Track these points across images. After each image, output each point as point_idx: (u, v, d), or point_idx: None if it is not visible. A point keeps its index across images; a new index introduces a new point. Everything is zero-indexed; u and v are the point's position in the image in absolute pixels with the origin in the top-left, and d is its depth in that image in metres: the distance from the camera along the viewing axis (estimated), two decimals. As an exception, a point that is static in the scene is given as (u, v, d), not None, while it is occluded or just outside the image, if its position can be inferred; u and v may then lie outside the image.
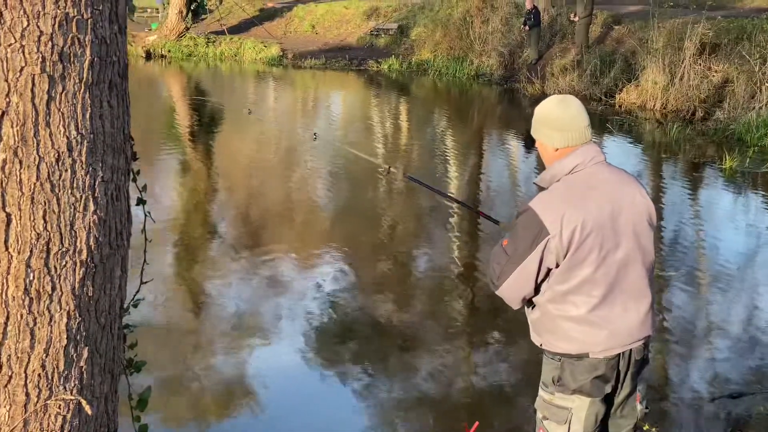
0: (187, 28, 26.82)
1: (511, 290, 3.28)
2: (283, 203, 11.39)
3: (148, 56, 25.99)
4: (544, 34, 21.68)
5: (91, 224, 2.67)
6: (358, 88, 22.73)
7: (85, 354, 2.75)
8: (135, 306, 3.36)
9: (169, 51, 26.21)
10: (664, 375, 6.16)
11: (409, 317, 7.31)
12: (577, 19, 20.17)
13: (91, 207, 2.65)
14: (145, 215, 3.33)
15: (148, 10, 32.85)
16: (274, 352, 6.63)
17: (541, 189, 3.41)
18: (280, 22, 30.11)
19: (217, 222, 10.42)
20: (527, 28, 21.21)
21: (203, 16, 30.01)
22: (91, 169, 2.63)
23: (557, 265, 3.22)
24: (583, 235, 3.17)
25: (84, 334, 2.73)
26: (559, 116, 3.35)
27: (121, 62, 2.75)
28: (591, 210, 3.19)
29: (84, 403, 2.75)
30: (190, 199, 11.56)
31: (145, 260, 3.37)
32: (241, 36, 27.73)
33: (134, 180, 3.09)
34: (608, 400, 3.41)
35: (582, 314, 3.25)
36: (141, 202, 3.32)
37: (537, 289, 3.30)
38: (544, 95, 19.01)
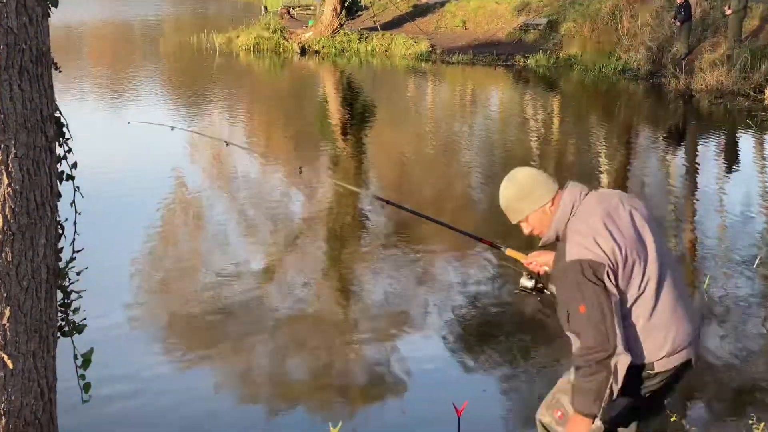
0: (341, 25, 27.61)
1: (600, 337, 3.23)
2: (435, 197, 11.76)
3: (303, 52, 26.95)
4: (695, 29, 21.18)
5: (6, 196, 2.98)
6: (507, 84, 22.91)
7: (7, 313, 3.05)
8: (64, 275, 3.61)
9: (323, 47, 27.08)
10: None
11: (551, 314, 7.42)
12: (730, 12, 19.62)
13: (5, 180, 2.96)
14: (74, 190, 3.64)
15: (311, 8, 34.01)
16: (418, 341, 6.98)
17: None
18: (431, 18, 30.52)
19: (369, 214, 10.84)
20: (678, 22, 20.78)
21: (358, 13, 30.83)
22: (3, 146, 2.95)
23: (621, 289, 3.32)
24: (624, 254, 3.29)
25: (5, 295, 3.03)
26: (520, 187, 3.54)
27: (34, 50, 3.05)
28: (615, 233, 3.31)
29: (6, 357, 3.08)
30: (343, 190, 12.06)
31: (75, 231, 3.65)
32: (393, 32, 28.32)
33: (64, 158, 3.45)
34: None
35: (641, 326, 3.35)
36: (69, 177, 3.59)
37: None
38: (688, 91, 18.64)
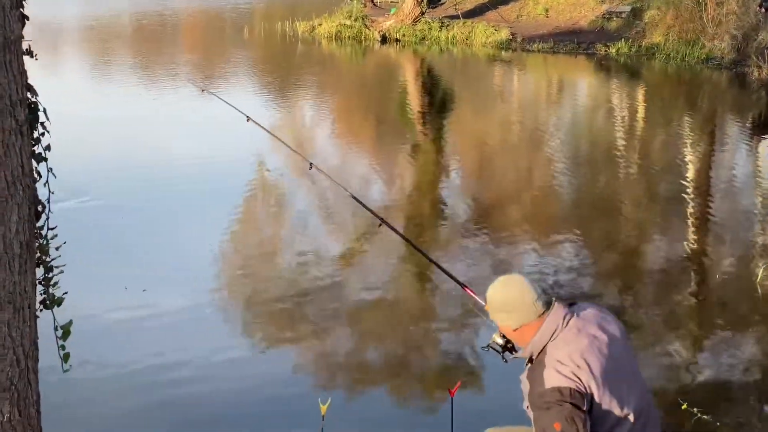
0: (423, 13, 27.77)
1: None
2: (515, 187, 11.90)
3: (384, 40, 27.21)
4: (783, 17, 20.73)
5: None
6: (588, 73, 22.82)
7: None
8: (46, 251, 3.83)
9: (404, 35, 27.29)
10: None
11: (631, 306, 7.57)
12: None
13: None
14: (48, 171, 3.85)
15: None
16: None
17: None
18: (514, 6, 30.44)
19: (448, 201, 11.08)
20: (764, 9, 20.41)
21: (441, 2, 30.90)
22: None
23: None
24: (599, 386, 3.32)
25: None
26: (506, 300, 3.52)
27: (1, 38, 3.21)
28: (593, 364, 3.35)
29: None
30: (423, 179, 12.31)
31: (49, 209, 3.83)
32: (474, 20, 28.35)
33: (38, 140, 3.67)
34: None
35: None
36: (42, 159, 3.77)
37: None
38: (773, 80, 18.34)
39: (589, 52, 24.19)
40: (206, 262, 8.62)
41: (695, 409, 5.48)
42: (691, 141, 14.40)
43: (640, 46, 23.52)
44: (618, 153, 13.57)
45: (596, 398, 3.33)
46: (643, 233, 9.80)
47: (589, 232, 9.63)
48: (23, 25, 3.46)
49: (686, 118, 16.64)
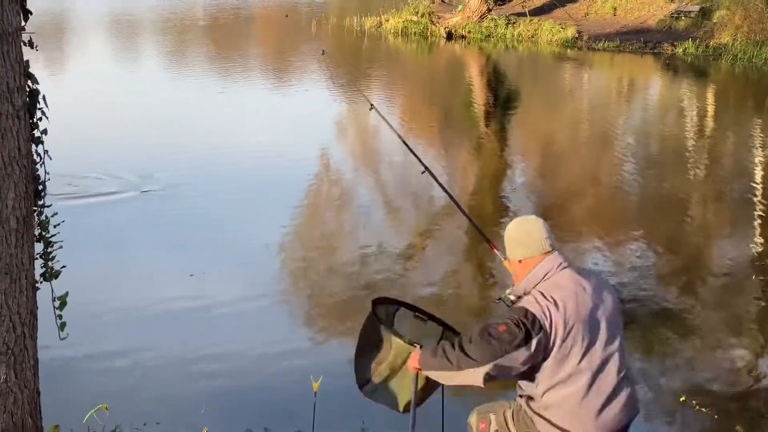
0: (489, 10, 27.92)
1: (496, 370, 3.51)
2: (580, 184, 12.04)
3: (449, 37, 27.43)
4: None
5: None
6: (654, 72, 22.78)
7: None
8: (45, 226, 4.05)
9: (469, 32, 27.48)
10: None
11: (693, 309, 7.70)
12: None
13: None
14: (44, 152, 3.97)
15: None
16: None
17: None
18: (582, 4, 30.40)
19: (511, 197, 11.29)
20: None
21: (510, -1, 30.92)
22: None
23: (544, 359, 3.54)
24: (566, 331, 3.52)
25: None
26: (517, 233, 3.80)
27: None
28: (570, 308, 3.54)
29: None
30: (487, 174, 12.53)
31: (44, 189, 3.96)
32: (541, 18, 28.41)
33: (35, 126, 3.88)
34: None
35: (573, 403, 3.59)
36: (39, 141, 3.93)
37: (522, 374, 3.61)
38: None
39: (656, 51, 24.12)
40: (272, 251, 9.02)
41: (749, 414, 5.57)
42: (759, 143, 14.39)
43: (707, 46, 23.38)
44: (684, 154, 13.65)
45: (558, 342, 3.52)
46: (708, 235, 9.92)
47: (654, 232, 9.75)
48: (26, 18, 3.74)
49: (754, 120, 16.59)
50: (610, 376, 3.62)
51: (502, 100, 19.12)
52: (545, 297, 3.57)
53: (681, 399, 5.91)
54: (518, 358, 3.49)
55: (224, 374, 6.50)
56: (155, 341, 6.88)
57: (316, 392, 4.62)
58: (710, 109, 17.60)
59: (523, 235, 3.80)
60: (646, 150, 14.00)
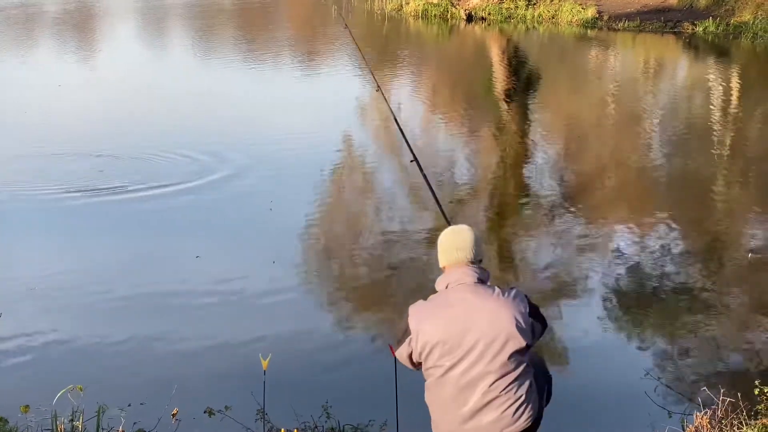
0: (509, -9, 27.94)
1: (400, 359, 4.13)
2: (603, 165, 12.17)
3: (469, 19, 27.48)
4: None
5: None
6: (675, 52, 22.78)
7: None
8: None
9: (489, 14, 27.52)
10: None
11: (708, 289, 7.84)
12: None
13: None
14: None
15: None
16: (580, 309, 7.52)
17: None
18: (602, -17, 30.32)
19: (533, 182, 11.39)
20: None
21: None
22: None
23: (420, 361, 4.01)
24: (432, 346, 3.91)
25: None
26: (441, 240, 4.15)
27: None
28: (441, 324, 3.90)
29: None
30: (505, 156, 12.69)
31: None
32: (561, -2, 28.37)
33: None
34: None
35: (441, 406, 3.98)
36: None
37: (418, 367, 4.08)
38: None
39: (676, 30, 24.10)
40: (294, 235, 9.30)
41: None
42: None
43: (728, 25, 23.34)
44: (708, 133, 13.75)
45: (425, 348, 3.94)
46: (732, 215, 10.05)
47: (678, 213, 9.88)
48: None
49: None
50: (476, 396, 3.90)
51: (524, 81, 19.23)
52: (426, 311, 4.00)
53: (700, 380, 6.10)
54: (402, 353, 4.05)
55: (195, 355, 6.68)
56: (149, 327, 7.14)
57: (265, 370, 4.80)
58: (734, 88, 17.63)
59: (443, 244, 4.14)
60: (671, 130, 14.09)
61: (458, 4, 28.20)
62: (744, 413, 5.15)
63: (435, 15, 28.16)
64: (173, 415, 5.13)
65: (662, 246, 8.84)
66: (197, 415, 5.41)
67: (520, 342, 3.89)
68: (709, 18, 23.84)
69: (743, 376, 5.78)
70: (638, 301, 7.63)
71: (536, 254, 8.79)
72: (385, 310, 7.63)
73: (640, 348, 6.84)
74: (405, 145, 6.28)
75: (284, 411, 5.53)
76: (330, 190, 11.04)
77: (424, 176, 5.76)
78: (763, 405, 5.30)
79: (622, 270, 8.23)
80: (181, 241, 9.06)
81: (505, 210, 10.02)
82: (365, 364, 6.63)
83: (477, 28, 26.82)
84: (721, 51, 22.12)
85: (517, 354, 3.90)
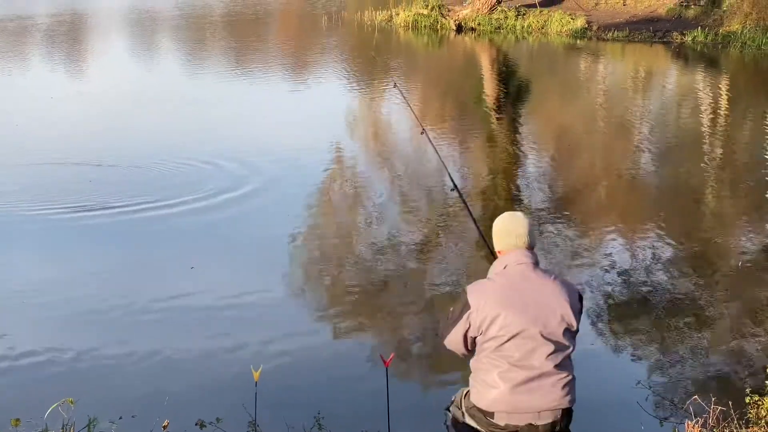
0: (499, 2, 28.03)
1: (450, 345, 4.24)
2: (593, 174, 12.21)
3: (459, 29, 27.54)
4: None
5: None
6: (665, 61, 22.90)
7: None
8: None
9: (479, 24, 27.60)
10: None
11: (699, 298, 7.87)
12: None
13: None
14: None
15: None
16: None
17: None
18: (591, -6, 30.48)
19: (525, 192, 11.43)
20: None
21: (520, -11, 30.89)
22: None
23: (475, 337, 4.14)
24: (494, 318, 4.04)
25: None
26: (499, 226, 4.31)
27: None
28: (504, 300, 4.05)
29: None
30: (496, 166, 12.71)
31: None
32: (551, 9, 28.51)
33: None
34: None
35: (493, 378, 4.09)
36: None
37: (470, 349, 4.22)
38: None
39: (665, 40, 24.23)
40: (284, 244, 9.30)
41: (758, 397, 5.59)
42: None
43: (716, 34, 23.48)
44: (695, 143, 13.82)
45: (484, 326, 4.05)
46: (723, 223, 10.07)
47: (668, 221, 9.92)
48: None
49: (764, 107, 16.72)
50: (533, 371, 4.05)
51: (514, 91, 19.30)
52: (488, 289, 4.12)
53: (692, 388, 6.11)
54: (458, 331, 4.14)
55: (188, 367, 6.68)
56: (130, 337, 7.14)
57: (257, 382, 4.81)
58: (722, 97, 17.72)
59: (501, 229, 4.30)
60: (660, 139, 14.13)
61: (448, 15, 28.29)
62: (735, 421, 5.17)
63: (425, 26, 28.24)
64: (164, 427, 5.11)
65: (653, 255, 8.86)
66: (188, 428, 5.40)
67: (572, 323, 4.12)
68: (697, 28, 23.99)
69: (734, 385, 5.79)
70: (629, 310, 7.63)
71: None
72: (378, 322, 7.63)
73: (631, 357, 6.84)
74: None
75: (276, 423, 5.51)
76: (321, 202, 11.04)
77: (465, 203, 6.19)
78: (753, 413, 5.33)
79: (612, 279, 8.24)
80: (173, 253, 9.04)
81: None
82: (357, 376, 6.61)
83: (467, 39, 26.91)
84: (709, 60, 22.24)
85: (569, 333, 4.12)
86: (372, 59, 22.47)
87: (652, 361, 6.74)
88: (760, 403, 5.30)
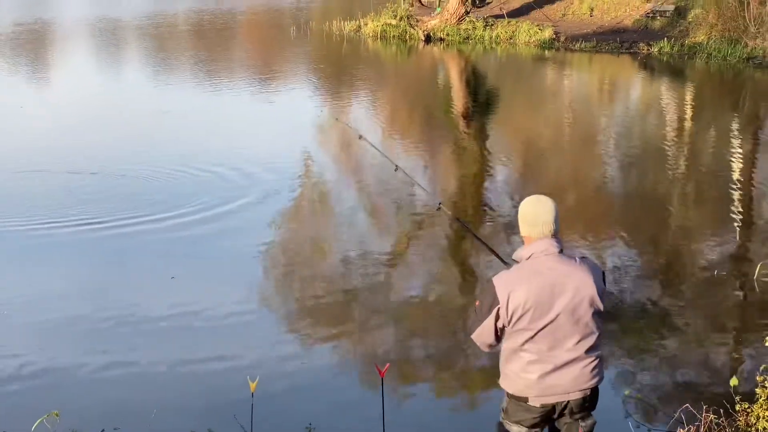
0: (467, 12, 28.14)
1: (478, 339, 4.24)
2: (559, 184, 12.14)
3: (428, 39, 27.59)
4: (827, 16, 20.87)
5: None
6: (631, 72, 23.05)
7: None
8: None
9: (447, 34, 27.67)
10: None
11: (672, 306, 7.89)
12: None
13: None
14: None
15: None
16: None
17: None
18: (559, 5, 30.73)
19: (494, 205, 11.38)
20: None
21: (488, 1, 31.07)
22: None
23: (505, 327, 4.16)
24: (524, 310, 4.07)
25: None
26: (526, 212, 4.26)
27: None
28: (532, 291, 4.07)
29: None
30: (467, 176, 12.71)
31: None
32: (519, 19, 28.67)
33: None
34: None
35: (524, 366, 4.16)
36: None
37: (500, 339, 4.24)
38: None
39: (632, 51, 24.42)
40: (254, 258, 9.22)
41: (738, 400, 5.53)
42: (734, 141, 14.62)
43: (682, 45, 23.70)
44: (661, 153, 13.88)
45: (514, 316, 4.08)
46: (688, 233, 10.08)
47: (633, 231, 9.95)
48: None
49: (729, 118, 16.88)
50: (563, 354, 4.14)
51: (482, 102, 19.34)
52: (515, 278, 4.14)
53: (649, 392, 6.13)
54: (487, 325, 4.16)
55: (176, 379, 6.61)
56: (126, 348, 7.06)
57: (253, 393, 4.73)
58: (687, 108, 17.88)
59: (529, 215, 4.25)
60: (622, 149, 14.22)
61: (417, 26, 28.35)
62: (726, 429, 5.16)
63: (394, 36, 28.28)
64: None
65: (618, 263, 8.85)
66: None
67: (599, 306, 4.17)
68: (664, 39, 24.21)
69: (725, 393, 5.78)
70: (616, 319, 7.60)
71: (495, 274, 8.72)
72: (372, 331, 7.55)
73: (621, 367, 6.80)
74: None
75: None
76: (297, 215, 10.94)
77: (468, 228, 6.14)
78: (743, 420, 5.32)
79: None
80: (154, 266, 8.88)
81: (462, 231, 9.95)
82: (351, 385, 6.56)
83: (435, 49, 26.96)
84: (675, 71, 22.43)
85: (597, 316, 4.19)
86: (340, 71, 22.43)
87: (642, 371, 6.72)
88: (750, 410, 5.30)
